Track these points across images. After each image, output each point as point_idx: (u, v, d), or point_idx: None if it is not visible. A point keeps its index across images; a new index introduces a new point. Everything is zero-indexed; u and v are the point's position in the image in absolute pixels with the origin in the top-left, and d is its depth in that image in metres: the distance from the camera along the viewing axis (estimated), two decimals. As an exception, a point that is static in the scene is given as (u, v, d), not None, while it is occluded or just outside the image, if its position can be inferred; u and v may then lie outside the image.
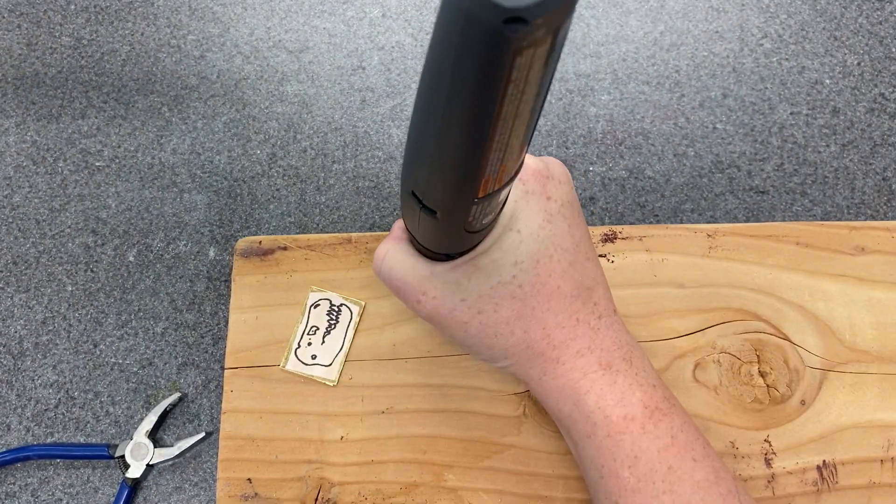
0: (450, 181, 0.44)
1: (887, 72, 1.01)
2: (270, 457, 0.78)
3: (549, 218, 0.58)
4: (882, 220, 0.92)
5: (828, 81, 1.00)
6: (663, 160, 0.96)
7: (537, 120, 0.41)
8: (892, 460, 0.76)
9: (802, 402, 0.78)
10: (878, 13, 1.04)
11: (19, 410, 0.88)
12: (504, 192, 0.48)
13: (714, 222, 0.93)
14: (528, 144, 0.44)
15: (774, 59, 1.02)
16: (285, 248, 0.84)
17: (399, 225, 0.64)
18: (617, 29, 1.03)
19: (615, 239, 0.83)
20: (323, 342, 0.81)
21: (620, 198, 0.94)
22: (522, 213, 0.57)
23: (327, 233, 0.93)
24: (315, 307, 0.82)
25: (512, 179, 0.47)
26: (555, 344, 0.60)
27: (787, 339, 0.80)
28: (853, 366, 0.79)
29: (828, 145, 0.97)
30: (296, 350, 0.81)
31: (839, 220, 0.93)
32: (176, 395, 0.86)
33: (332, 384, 0.79)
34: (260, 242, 0.85)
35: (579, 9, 1.05)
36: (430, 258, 0.60)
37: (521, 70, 0.32)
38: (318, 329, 0.81)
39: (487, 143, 0.38)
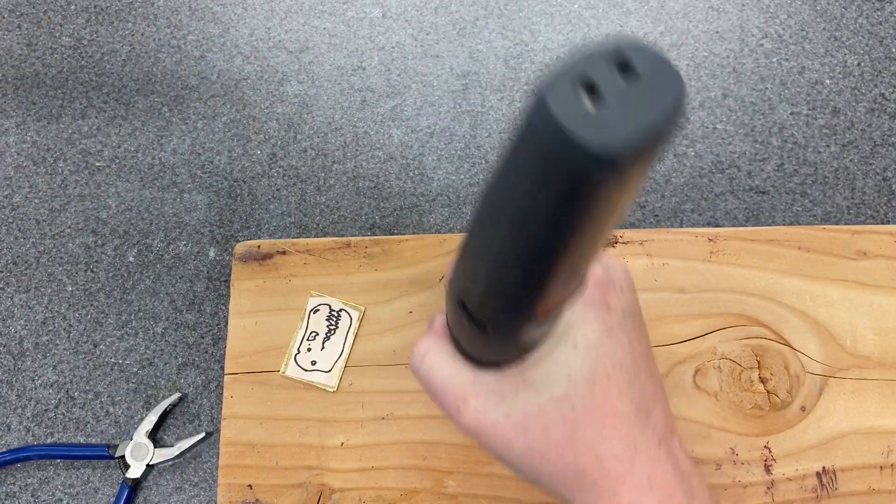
0: (507, 300, 0.42)
1: (887, 72, 1.00)
2: (271, 463, 0.78)
3: (608, 331, 0.53)
4: (882, 220, 0.92)
5: (828, 82, 1.00)
6: (663, 160, 0.96)
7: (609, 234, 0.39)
8: (892, 467, 0.76)
9: (803, 409, 0.77)
10: (879, 13, 1.04)
11: (19, 410, 0.89)
12: (563, 309, 0.48)
13: (714, 222, 0.92)
14: (597, 255, 0.44)
15: (774, 59, 1.01)
16: (284, 253, 0.84)
17: (441, 320, 0.60)
18: (617, 29, 1.03)
19: (616, 243, 0.83)
20: (323, 348, 0.81)
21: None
22: (580, 325, 0.52)
23: (327, 233, 0.93)
24: (314, 312, 0.82)
25: (573, 296, 0.46)
26: (610, 475, 0.53)
27: (788, 344, 0.80)
28: (854, 372, 0.79)
29: (828, 145, 0.97)
30: (295, 356, 0.81)
31: (839, 220, 0.92)
32: (176, 396, 0.87)
33: (332, 390, 0.79)
34: (259, 247, 0.84)
35: (579, 9, 1.05)
36: (473, 363, 0.56)
37: (602, 204, 0.32)
38: (317, 334, 0.81)
39: (553, 269, 0.38)
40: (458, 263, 0.46)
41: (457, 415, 0.55)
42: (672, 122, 0.28)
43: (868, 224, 0.92)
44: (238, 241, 0.88)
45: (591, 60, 0.29)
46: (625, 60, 0.29)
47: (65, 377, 0.89)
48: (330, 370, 0.80)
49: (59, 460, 0.86)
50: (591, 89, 0.28)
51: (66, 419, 0.88)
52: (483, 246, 0.40)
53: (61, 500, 0.85)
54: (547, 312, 0.44)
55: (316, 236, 0.93)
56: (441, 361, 0.57)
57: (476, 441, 0.56)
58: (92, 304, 0.91)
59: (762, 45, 1.02)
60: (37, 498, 0.85)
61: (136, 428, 0.86)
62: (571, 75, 0.29)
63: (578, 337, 0.52)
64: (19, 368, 0.89)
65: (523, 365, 0.53)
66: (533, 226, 0.34)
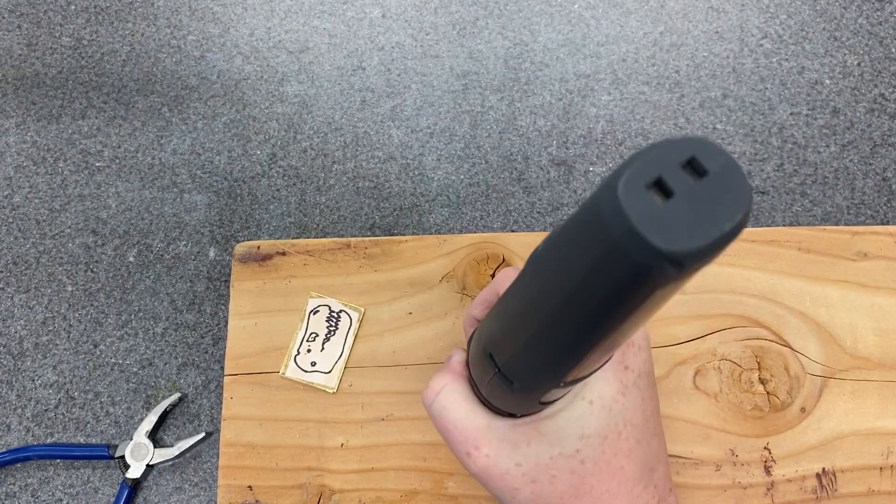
0: (542, 367, 0.43)
1: (887, 72, 1.00)
2: (271, 464, 0.78)
3: (623, 390, 0.54)
4: (882, 220, 0.92)
5: (828, 82, 1.00)
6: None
7: None
8: (892, 468, 0.76)
9: (803, 410, 0.77)
10: (878, 13, 1.04)
11: (19, 411, 0.89)
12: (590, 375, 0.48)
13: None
14: None
15: (774, 59, 1.01)
16: (284, 254, 0.84)
17: (459, 358, 0.61)
18: (617, 29, 1.03)
19: (615, 244, 0.83)
20: (322, 349, 0.81)
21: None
22: (597, 383, 0.53)
23: (327, 233, 0.93)
24: (314, 313, 0.82)
25: (601, 366, 0.47)
26: None
27: (787, 345, 0.80)
28: (854, 373, 0.79)
29: (828, 146, 0.97)
30: (295, 357, 0.80)
31: (839, 220, 0.92)
32: (176, 396, 0.87)
33: (331, 391, 0.79)
34: (258, 247, 0.84)
35: (579, 9, 1.05)
36: (489, 408, 0.57)
37: (657, 298, 0.32)
38: (317, 335, 0.81)
39: (595, 347, 0.38)
40: (495, 319, 0.46)
41: (466, 458, 0.56)
42: (739, 225, 0.28)
43: (868, 224, 0.92)
44: (238, 242, 0.88)
45: (662, 157, 0.29)
46: (695, 159, 0.29)
47: (65, 377, 0.89)
48: (330, 371, 0.80)
49: (59, 460, 0.86)
50: (661, 186, 0.29)
51: (66, 419, 0.88)
52: (528, 312, 0.40)
53: (61, 500, 0.85)
54: (577, 380, 0.44)
55: (316, 236, 0.92)
56: (455, 402, 0.57)
57: (483, 484, 0.56)
58: (92, 305, 0.91)
59: (762, 45, 1.02)
60: (37, 498, 0.85)
61: (135, 428, 0.86)
62: (643, 170, 0.29)
63: (595, 394, 0.52)
64: (19, 368, 0.89)
65: (538, 416, 0.54)
66: (585, 307, 0.35)
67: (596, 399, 0.53)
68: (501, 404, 0.54)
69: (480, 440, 0.55)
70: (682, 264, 0.28)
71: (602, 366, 0.46)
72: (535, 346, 0.41)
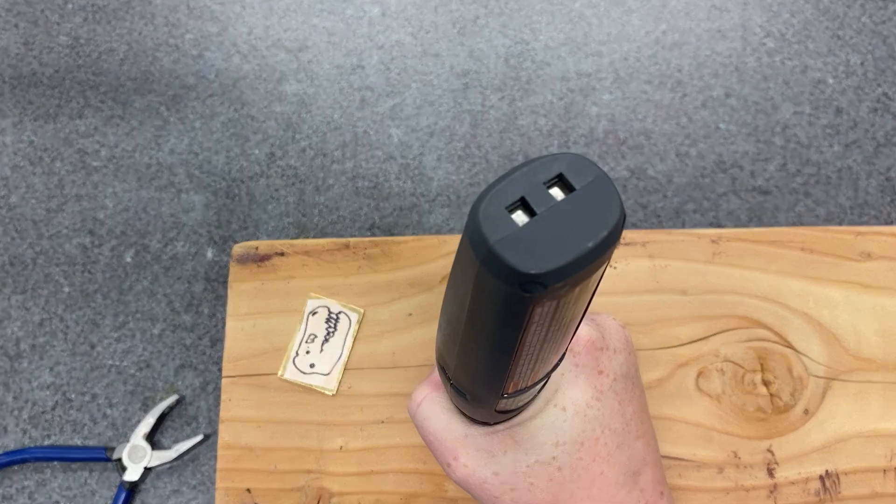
0: (477, 381, 0.43)
1: (891, 71, 1.00)
2: (269, 466, 0.77)
3: (598, 395, 0.53)
4: (886, 220, 0.92)
5: (831, 81, 1.00)
6: (665, 160, 0.95)
7: (578, 325, 0.39)
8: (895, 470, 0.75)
9: (806, 412, 0.77)
10: (882, 12, 1.03)
11: (16, 413, 0.88)
12: (539, 385, 0.47)
13: (717, 223, 0.92)
14: (568, 343, 0.43)
15: (777, 58, 1.01)
16: (282, 254, 0.83)
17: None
18: (619, 28, 1.03)
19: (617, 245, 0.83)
20: (321, 350, 0.80)
21: (622, 198, 0.94)
22: (569, 389, 0.52)
23: (326, 233, 0.93)
24: (313, 315, 0.81)
25: (548, 375, 0.46)
26: None
27: (791, 347, 0.79)
28: (857, 374, 0.79)
29: (831, 145, 0.96)
30: (294, 358, 0.80)
31: (843, 220, 0.92)
32: (173, 398, 0.86)
33: (330, 393, 0.79)
34: (257, 248, 0.84)
35: (580, 7, 1.04)
36: (466, 417, 0.56)
37: (543, 315, 0.31)
38: (316, 337, 0.81)
39: (511, 366, 0.38)
40: (438, 331, 0.46)
41: (448, 469, 0.56)
42: (606, 242, 0.28)
43: (872, 225, 0.92)
44: (236, 242, 0.87)
45: (528, 175, 0.29)
46: (562, 176, 0.29)
47: (62, 379, 0.89)
48: (329, 373, 0.79)
49: (56, 462, 0.86)
50: (525, 206, 0.28)
51: (63, 421, 0.87)
52: (449, 333, 0.40)
53: (58, 502, 0.85)
54: (518, 389, 0.44)
55: (315, 237, 0.92)
56: (435, 412, 0.57)
57: (466, 492, 0.57)
58: (89, 306, 0.91)
59: (765, 44, 1.02)
60: (34, 500, 0.85)
61: (133, 430, 0.86)
62: (507, 190, 0.28)
63: (567, 401, 0.52)
64: (16, 370, 0.89)
65: (513, 423, 0.53)
66: (481, 327, 0.35)
67: (569, 405, 0.52)
68: (469, 413, 0.54)
69: (459, 450, 0.54)
70: (546, 284, 0.27)
71: (554, 368, 0.46)
72: (463, 362, 0.42)
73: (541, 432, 0.52)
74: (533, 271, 0.27)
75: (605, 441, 0.53)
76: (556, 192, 0.29)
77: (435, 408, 0.57)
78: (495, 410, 0.50)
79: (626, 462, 0.54)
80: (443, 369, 0.48)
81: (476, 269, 0.29)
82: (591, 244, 0.27)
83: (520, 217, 0.28)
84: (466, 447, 0.55)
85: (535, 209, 0.28)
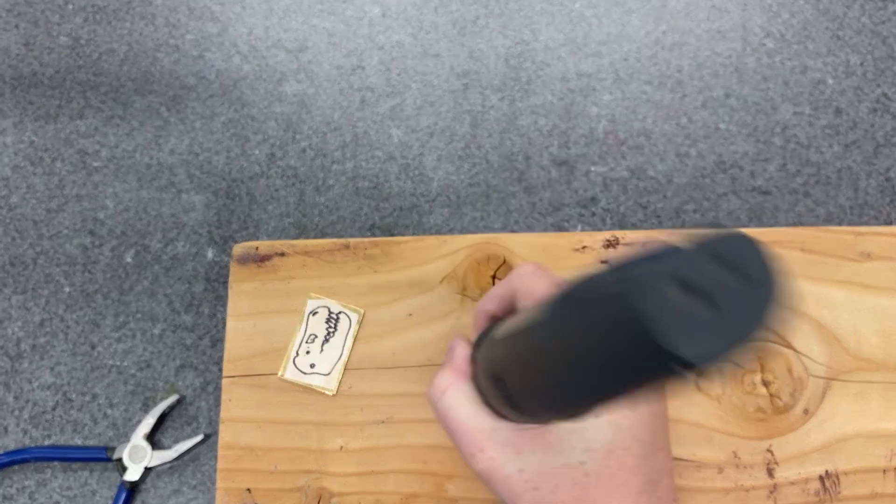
0: (549, 405, 0.44)
1: (890, 71, 1.00)
2: (269, 467, 0.77)
3: (632, 406, 0.54)
4: (886, 220, 0.92)
5: (831, 81, 1.00)
6: (665, 160, 0.95)
7: None
8: (895, 470, 0.76)
9: (806, 412, 0.77)
10: (882, 12, 1.03)
11: (17, 413, 0.88)
12: None
13: (717, 223, 0.92)
14: None
15: (777, 58, 1.01)
16: (283, 254, 0.83)
17: (462, 354, 0.61)
18: (619, 28, 1.03)
19: (617, 244, 0.83)
20: (321, 350, 0.80)
21: (622, 198, 0.94)
22: None
23: (326, 234, 0.93)
24: (313, 315, 0.81)
25: None
26: None
27: (790, 347, 0.79)
28: (857, 374, 0.79)
29: (831, 146, 0.96)
30: (294, 358, 0.80)
31: (842, 220, 0.92)
32: (174, 398, 0.86)
33: (331, 393, 0.79)
34: (257, 248, 0.84)
35: (580, 7, 1.04)
36: (493, 410, 0.56)
37: (667, 384, 0.32)
38: (316, 337, 0.81)
39: (602, 404, 0.39)
40: (507, 348, 0.47)
41: (471, 460, 0.56)
42: (762, 327, 0.28)
43: (871, 225, 0.92)
44: (236, 242, 0.87)
45: (690, 253, 0.29)
46: (725, 257, 0.29)
47: (62, 379, 0.89)
48: (329, 373, 0.79)
49: (56, 462, 0.86)
50: (686, 285, 0.28)
51: (64, 421, 0.87)
52: (544, 361, 0.41)
53: (59, 502, 0.85)
54: (581, 414, 0.44)
55: (315, 237, 0.92)
56: (461, 403, 0.57)
57: (485, 485, 0.56)
58: (89, 306, 0.91)
59: (764, 44, 1.02)
60: (34, 500, 0.85)
61: (133, 430, 0.86)
62: (665, 269, 0.28)
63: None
64: (16, 370, 0.89)
65: (544, 426, 0.53)
66: (599, 378, 0.35)
67: (603, 413, 0.52)
68: (508, 416, 0.54)
69: (486, 442, 0.55)
70: (698, 367, 0.28)
71: None
72: (546, 391, 0.42)
73: (572, 436, 0.52)
74: (692, 358, 0.27)
75: (634, 452, 0.53)
76: (720, 274, 0.28)
77: (461, 397, 0.57)
78: (544, 422, 0.50)
79: (648, 472, 0.54)
80: (499, 381, 0.49)
81: (624, 337, 0.29)
82: (754, 334, 0.27)
83: (681, 296, 0.28)
84: (493, 440, 0.55)
85: (700, 290, 0.28)
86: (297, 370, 0.80)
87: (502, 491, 0.55)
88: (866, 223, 0.92)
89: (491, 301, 0.61)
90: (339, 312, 0.81)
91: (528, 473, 0.53)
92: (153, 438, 0.86)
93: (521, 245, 0.83)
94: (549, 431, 0.53)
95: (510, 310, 0.60)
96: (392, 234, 0.92)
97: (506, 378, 0.47)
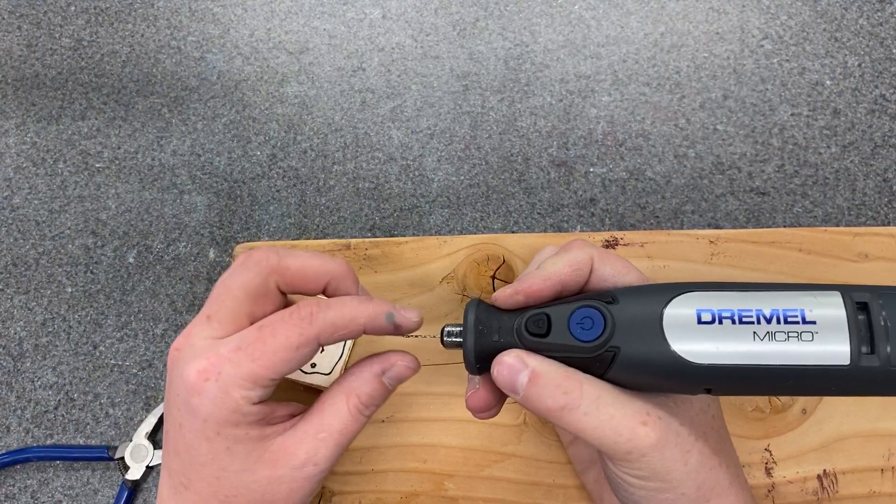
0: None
1: (888, 73, 1.00)
2: (271, 465, 0.77)
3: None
4: (883, 221, 0.92)
5: (828, 83, 1.00)
6: (664, 161, 0.96)
7: None
8: (893, 470, 0.76)
9: (804, 411, 0.77)
10: (879, 14, 1.04)
11: (19, 412, 0.88)
12: None
13: (715, 223, 0.92)
14: None
15: (775, 60, 1.01)
16: (285, 255, 0.84)
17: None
18: (617, 30, 1.03)
19: (616, 245, 0.83)
20: (322, 350, 0.80)
21: (621, 199, 0.94)
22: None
23: (327, 234, 0.93)
24: (315, 314, 0.82)
25: None
26: (742, 481, 0.57)
27: (788, 346, 0.79)
28: (854, 374, 0.79)
29: (828, 146, 0.97)
30: (296, 358, 0.80)
31: (840, 221, 0.92)
32: (175, 398, 0.86)
33: (332, 392, 0.79)
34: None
35: (580, 10, 1.05)
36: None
37: None
38: (318, 337, 0.81)
39: None
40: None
41: (643, 427, 0.54)
42: None
43: (869, 225, 0.92)
44: (238, 243, 0.88)
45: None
46: None
47: (64, 378, 0.89)
48: (330, 373, 0.79)
49: (58, 462, 0.86)
50: None
51: (66, 421, 0.88)
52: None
53: (61, 501, 0.85)
54: None
55: (316, 237, 0.92)
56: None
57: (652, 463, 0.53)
58: (91, 306, 0.91)
59: (762, 46, 1.02)
60: (36, 499, 0.85)
61: (135, 429, 0.86)
62: None
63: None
64: (19, 370, 0.89)
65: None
66: None
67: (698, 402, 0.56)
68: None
69: (648, 407, 0.54)
70: None
71: None
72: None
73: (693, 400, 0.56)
74: None
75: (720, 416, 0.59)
76: None
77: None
78: None
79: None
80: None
81: None
82: None
83: None
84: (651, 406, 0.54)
85: None
86: (297, 369, 0.80)
87: (673, 456, 0.54)
88: (864, 224, 0.92)
89: (566, 266, 0.58)
90: (341, 312, 0.82)
91: (688, 427, 0.54)
92: (155, 437, 0.86)
93: (520, 245, 0.83)
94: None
95: (583, 279, 0.58)
96: (392, 235, 0.93)
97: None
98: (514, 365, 0.52)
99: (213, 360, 0.51)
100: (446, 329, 0.57)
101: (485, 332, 0.55)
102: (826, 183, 0.95)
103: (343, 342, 0.81)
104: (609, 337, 0.50)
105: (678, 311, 0.49)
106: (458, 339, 0.57)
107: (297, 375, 0.80)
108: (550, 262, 0.57)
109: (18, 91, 1.01)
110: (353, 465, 0.78)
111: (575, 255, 0.57)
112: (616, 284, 0.56)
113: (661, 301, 0.50)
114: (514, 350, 0.53)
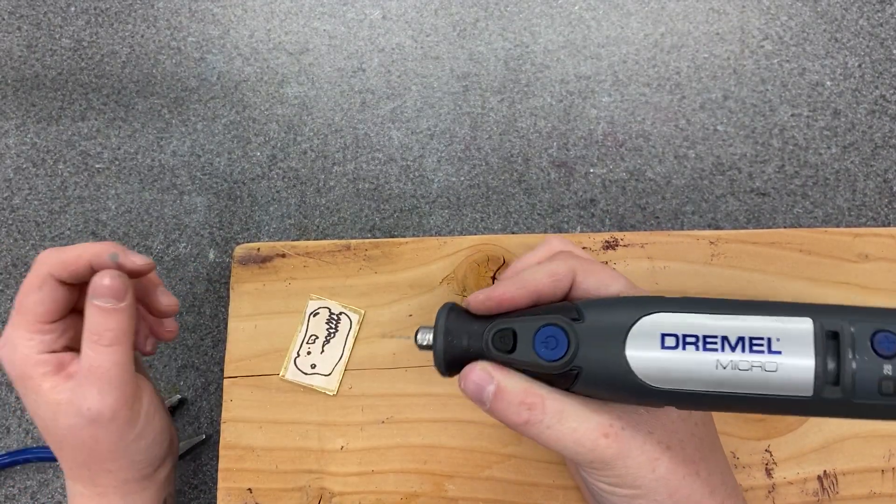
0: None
1: (888, 73, 1.00)
2: (270, 466, 0.77)
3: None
4: (883, 222, 0.92)
5: (829, 83, 1.00)
6: (664, 162, 0.96)
7: None
8: (893, 470, 0.76)
9: (803, 412, 0.77)
10: (879, 15, 1.04)
11: (19, 413, 0.88)
12: None
13: (715, 224, 0.92)
14: None
15: (775, 60, 1.01)
16: (284, 256, 0.84)
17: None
18: (617, 31, 1.03)
19: (616, 246, 0.83)
20: (322, 351, 0.80)
21: (621, 200, 0.94)
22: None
23: (327, 235, 0.93)
24: (314, 315, 0.82)
25: None
26: (728, 489, 0.58)
27: (788, 347, 0.79)
28: (855, 375, 0.79)
29: (829, 147, 0.97)
30: (295, 359, 0.80)
31: (840, 222, 0.92)
32: (175, 398, 0.86)
33: (331, 393, 0.79)
34: (258, 249, 0.84)
35: (580, 10, 1.05)
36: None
37: None
38: (317, 338, 0.81)
39: None
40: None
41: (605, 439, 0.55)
42: None
43: (869, 226, 0.92)
44: (238, 244, 0.88)
45: None
46: None
47: (64, 379, 0.89)
48: (330, 374, 0.80)
49: (58, 463, 0.86)
50: None
51: (66, 422, 0.88)
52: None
53: (60, 502, 0.85)
54: None
55: (316, 238, 0.92)
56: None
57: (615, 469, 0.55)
58: (91, 307, 0.91)
59: (763, 46, 1.02)
60: (36, 500, 0.85)
61: (135, 430, 0.86)
62: None
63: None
64: (19, 371, 0.89)
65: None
66: None
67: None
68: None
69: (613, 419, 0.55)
70: None
71: None
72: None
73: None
74: None
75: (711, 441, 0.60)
76: None
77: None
78: None
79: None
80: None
81: None
82: None
83: None
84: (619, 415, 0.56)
85: None
86: (298, 371, 0.80)
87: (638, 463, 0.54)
88: (864, 224, 0.92)
89: (545, 277, 0.57)
90: (340, 313, 0.82)
91: (658, 434, 0.55)
92: (155, 438, 0.86)
93: (520, 246, 0.83)
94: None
95: (562, 291, 0.58)
96: (392, 236, 0.93)
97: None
98: (479, 381, 0.54)
99: (5, 333, 0.64)
100: (419, 332, 0.59)
101: (455, 338, 0.56)
102: (826, 184, 0.95)
103: (343, 344, 0.81)
104: (572, 357, 0.51)
105: (642, 333, 0.49)
106: (429, 343, 0.58)
107: (297, 377, 0.80)
108: (531, 270, 0.58)
109: (18, 92, 1.01)
110: (353, 466, 0.78)
111: (556, 267, 0.58)
112: (599, 295, 0.57)
113: (627, 322, 0.50)
114: (480, 363, 0.55)
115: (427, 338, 0.57)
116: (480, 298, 0.56)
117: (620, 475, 0.54)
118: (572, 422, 0.53)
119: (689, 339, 0.47)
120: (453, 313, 0.56)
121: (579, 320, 0.51)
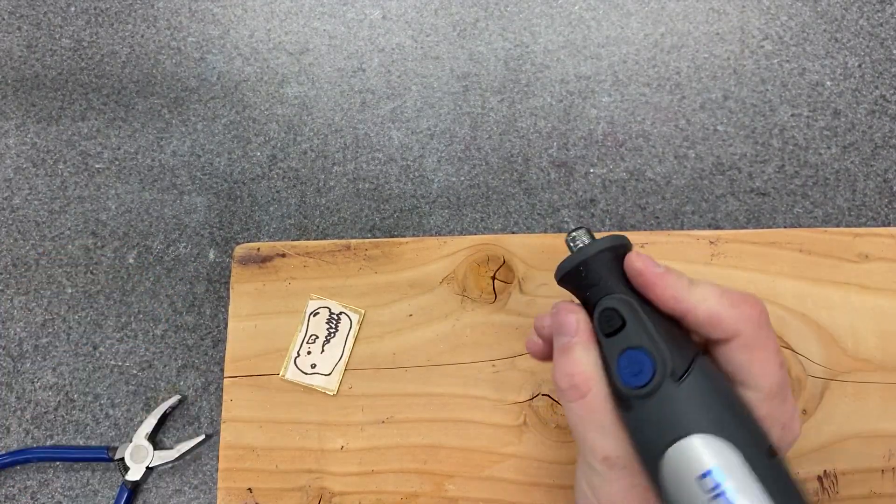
0: None
1: (888, 73, 1.00)
2: (271, 466, 0.77)
3: None
4: (883, 222, 0.92)
5: (829, 83, 1.00)
6: (664, 162, 0.96)
7: None
8: (894, 470, 0.76)
9: (804, 412, 0.77)
10: (879, 15, 1.04)
11: (19, 413, 0.88)
12: None
13: (715, 224, 0.92)
14: None
15: (775, 60, 1.01)
16: (284, 256, 0.84)
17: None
18: (617, 31, 1.03)
19: (616, 246, 0.83)
20: (322, 351, 0.80)
21: (621, 200, 0.94)
22: None
23: (327, 235, 0.93)
24: (314, 315, 0.82)
25: None
26: None
27: (789, 347, 0.79)
28: (855, 375, 0.79)
29: (829, 147, 0.96)
30: (295, 359, 0.80)
31: (840, 222, 0.92)
32: (175, 398, 0.86)
33: (331, 393, 0.79)
34: (258, 249, 0.84)
35: (580, 11, 1.04)
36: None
37: None
38: (317, 337, 0.81)
39: None
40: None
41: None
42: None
43: (869, 226, 0.92)
44: (238, 243, 0.88)
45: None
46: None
47: (64, 379, 0.89)
48: (330, 373, 0.80)
49: (58, 463, 0.86)
50: None
51: (66, 421, 0.88)
52: None
53: (61, 502, 0.85)
54: None
55: (316, 238, 0.92)
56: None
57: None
58: (91, 307, 0.91)
59: (763, 46, 1.02)
60: (36, 500, 0.85)
61: (135, 430, 0.86)
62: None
63: None
64: (19, 371, 0.89)
65: None
66: None
67: None
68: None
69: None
70: None
71: None
72: None
73: None
74: None
75: None
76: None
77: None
78: None
79: None
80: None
81: None
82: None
83: None
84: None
85: None
86: (298, 370, 0.80)
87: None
88: (864, 224, 0.92)
89: (717, 304, 0.57)
90: (340, 313, 0.82)
91: None
92: (155, 438, 0.86)
93: (520, 246, 0.83)
94: None
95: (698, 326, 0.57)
96: (392, 236, 0.93)
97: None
98: (648, 262, 0.57)
99: None
100: (580, 230, 0.61)
101: (600, 265, 0.57)
102: (826, 183, 0.95)
103: (343, 343, 0.81)
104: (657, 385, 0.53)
105: (691, 450, 0.50)
106: (578, 245, 0.60)
107: (297, 377, 0.80)
108: (704, 293, 0.58)
109: (18, 92, 1.01)
110: (353, 465, 0.78)
111: (742, 312, 0.56)
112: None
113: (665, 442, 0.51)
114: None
115: (583, 240, 0.60)
116: (644, 261, 0.58)
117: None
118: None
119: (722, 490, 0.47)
120: (619, 255, 0.58)
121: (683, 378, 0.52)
